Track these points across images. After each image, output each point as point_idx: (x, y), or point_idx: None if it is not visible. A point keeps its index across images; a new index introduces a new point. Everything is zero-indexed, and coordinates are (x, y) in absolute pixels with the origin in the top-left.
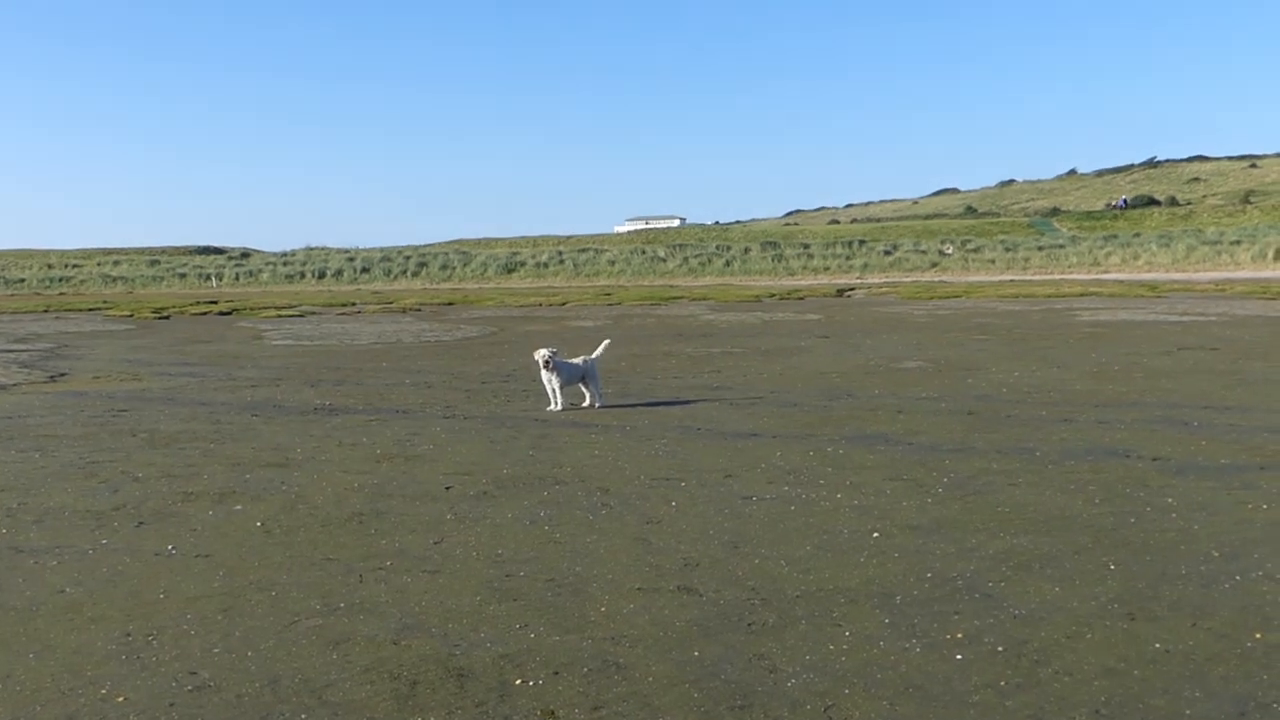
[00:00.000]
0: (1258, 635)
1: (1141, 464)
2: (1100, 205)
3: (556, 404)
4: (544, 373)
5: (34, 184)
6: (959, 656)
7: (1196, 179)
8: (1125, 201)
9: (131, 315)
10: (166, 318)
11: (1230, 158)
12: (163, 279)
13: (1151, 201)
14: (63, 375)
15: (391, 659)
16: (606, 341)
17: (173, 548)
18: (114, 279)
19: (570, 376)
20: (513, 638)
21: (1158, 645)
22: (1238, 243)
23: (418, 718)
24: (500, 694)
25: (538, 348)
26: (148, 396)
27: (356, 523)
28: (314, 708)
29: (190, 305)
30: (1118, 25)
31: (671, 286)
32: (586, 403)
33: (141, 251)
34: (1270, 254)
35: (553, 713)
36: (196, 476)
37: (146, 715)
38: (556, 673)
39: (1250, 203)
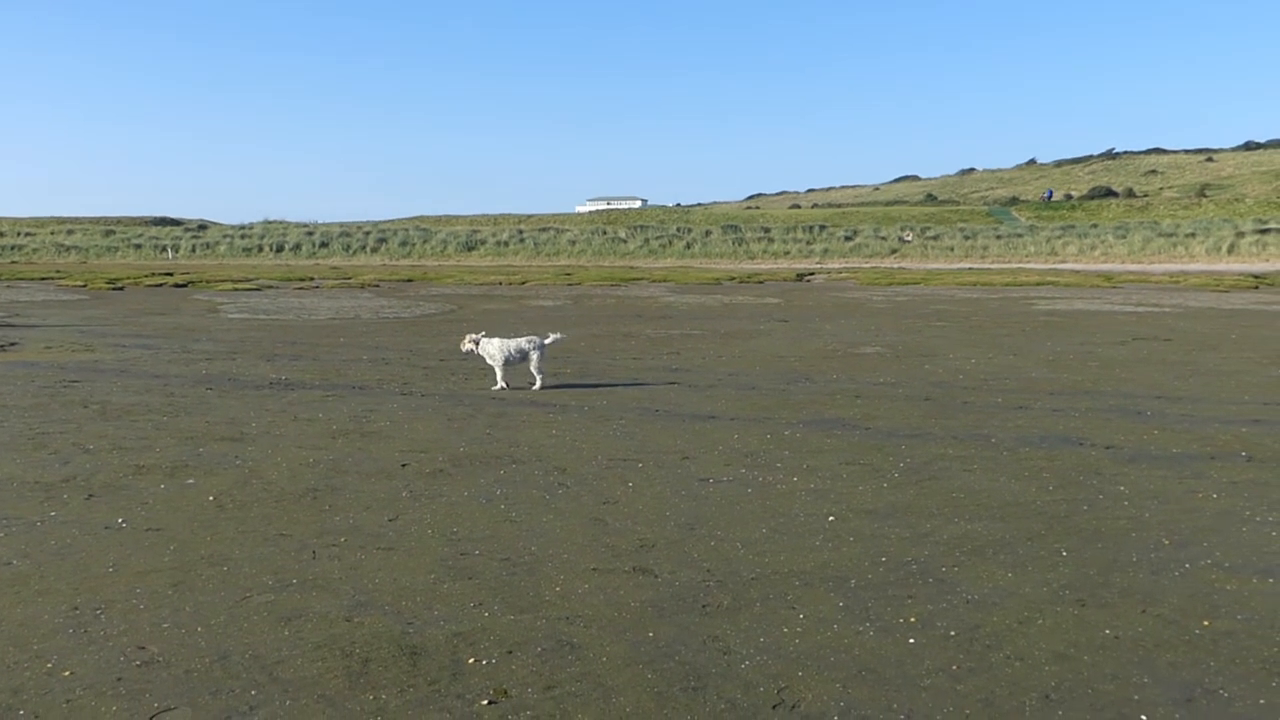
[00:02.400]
0: (1205, 623)
1: (1095, 452)
2: (1059, 195)
3: (500, 383)
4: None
5: None
6: (912, 640)
7: (1154, 171)
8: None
9: (85, 286)
10: (121, 289)
11: (1187, 151)
12: (117, 249)
13: (1109, 193)
14: (13, 345)
15: (344, 636)
16: (560, 335)
17: (123, 521)
18: (67, 248)
19: (509, 357)
20: (466, 616)
21: (1108, 631)
22: (1193, 235)
23: (370, 695)
24: (453, 672)
25: (464, 336)
26: (100, 368)
27: (311, 498)
28: (265, 684)
29: (145, 277)
30: (1080, 18)
31: (632, 268)
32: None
33: (96, 221)
34: (1224, 247)
35: (505, 691)
36: (149, 449)
37: (93, 690)
38: (510, 652)
39: (1206, 196)
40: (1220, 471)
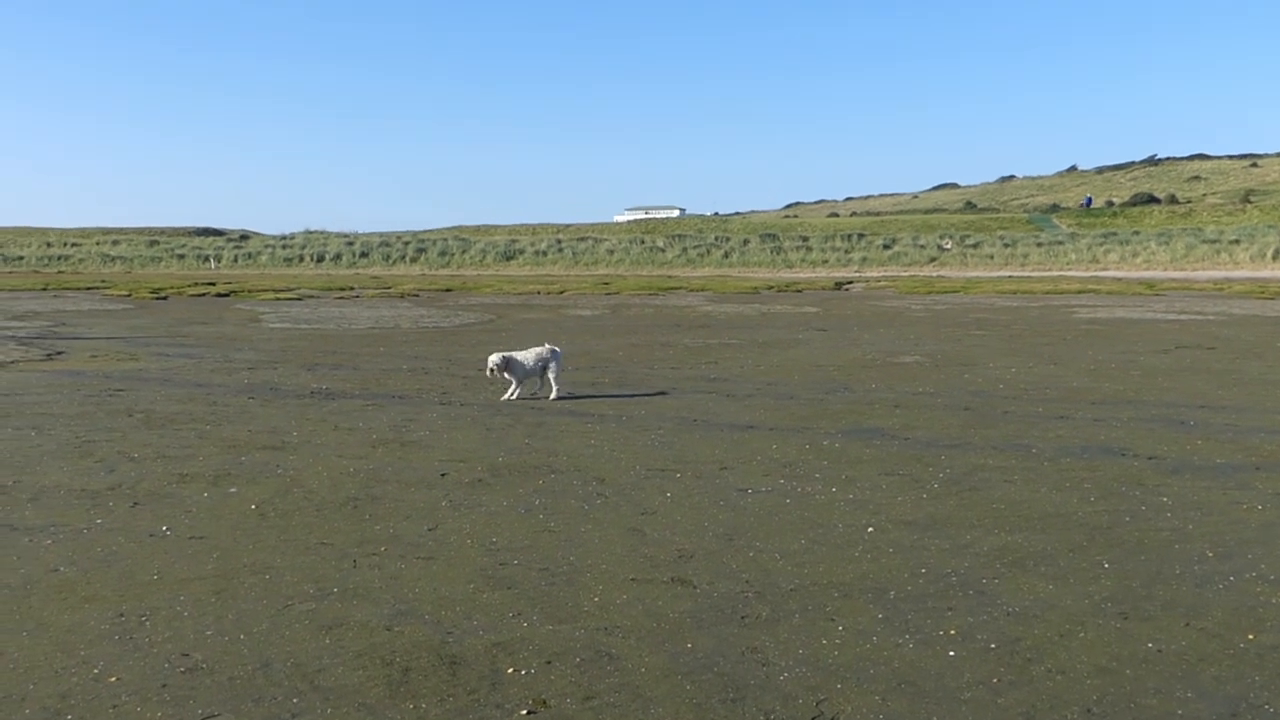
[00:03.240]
0: (1250, 636)
1: (1137, 462)
2: (1100, 202)
3: (513, 394)
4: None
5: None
6: (952, 653)
7: (1197, 177)
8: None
9: (129, 295)
10: (164, 298)
11: (1231, 156)
12: (161, 259)
13: (1151, 199)
14: (60, 354)
15: (384, 645)
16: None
17: (167, 529)
18: (113, 258)
19: (529, 371)
20: (506, 626)
21: (1150, 645)
22: (1237, 242)
23: (410, 704)
24: (492, 682)
25: (490, 355)
26: (144, 377)
27: (351, 507)
28: (306, 692)
29: (188, 286)
30: (1120, 23)
31: (670, 277)
32: (553, 395)
33: (141, 231)
34: (1269, 254)
35: (544, 702)
36: (192, 458)
37: (138, 696)
38: (549, 662)
39: (1250, 202)
40: (1265, 482)
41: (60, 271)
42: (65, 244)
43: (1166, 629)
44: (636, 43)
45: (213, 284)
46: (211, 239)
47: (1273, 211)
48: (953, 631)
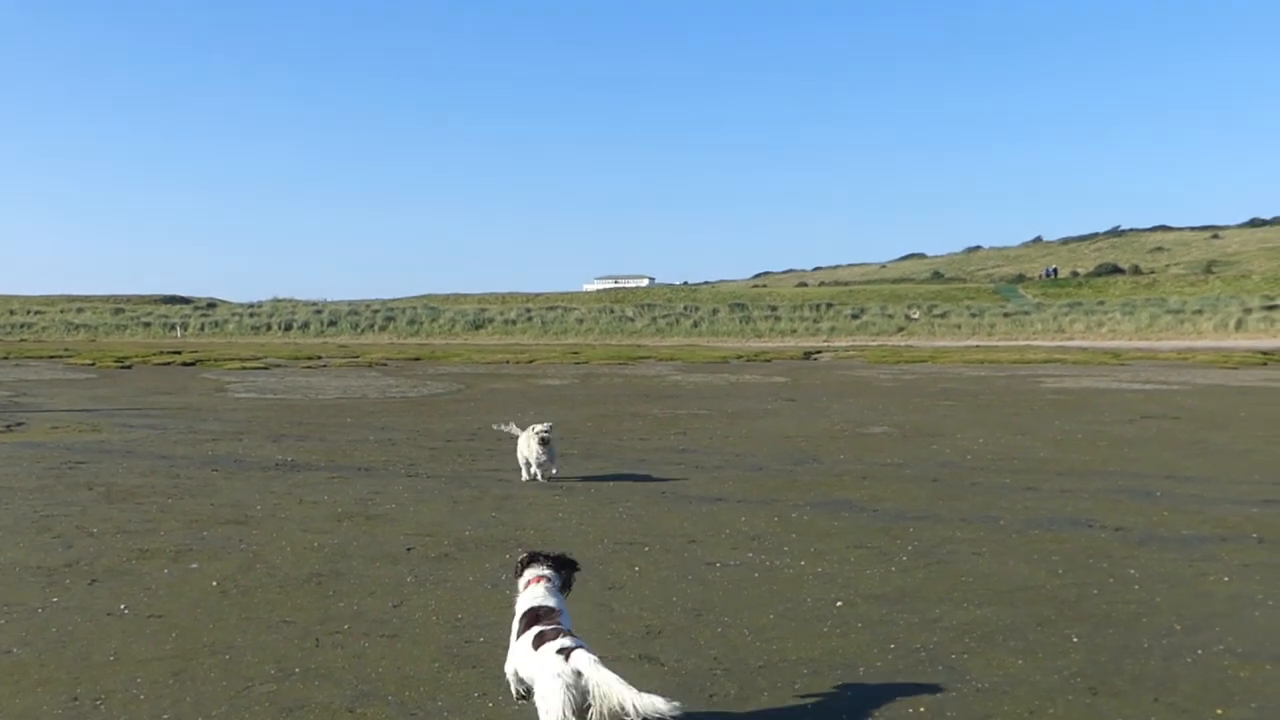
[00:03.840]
0: (1219, 711)
1: (1105, 534)
2: (1065, 272)
3: (528, 474)
4: (537, 448)
5: None
6: None
7: (1160, 248)
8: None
9: (93, 364)
10: (129, 367)
11: (1193, 228)
12: (126, 328)
13: (1115, 270)
14: (20, 425)
15: None
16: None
17: (125, 607)
18: (77, 326)
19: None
20: (471, 707)
21: None
22: (1200, 312)
23: None
24: None
25: (533, 424)
26: (106, 448)
27: (315, 584)
28: None
29: (154, 355)
30: (1084, 94)
31: (639, 346)
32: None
33: (106, 299)
34: (1232, 324)
35: None
36: (153, 533)
37: None
38: None
39: (1212, 273)
40: (1231, 554)
41: (23, 340)
42: (28, 312)
43: (1135, 704)
44: (606, 113)
45: (178, 353)
46: (178, 307)
47: (1235, 282)
48: (922, 709)
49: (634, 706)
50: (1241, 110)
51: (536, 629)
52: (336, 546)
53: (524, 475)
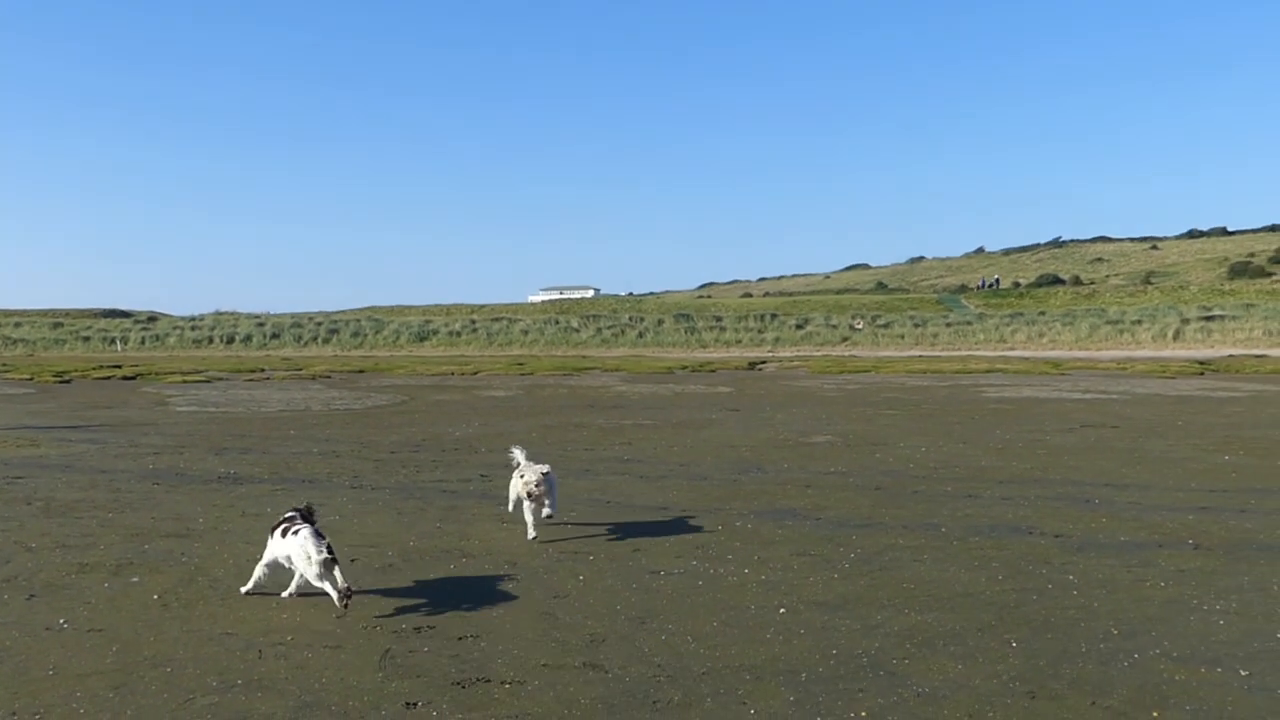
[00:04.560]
0: (1155, 714)
1: (1044, 541)
2: (1008, 283)
3: (532, 531)
4: (532, 488)
5: None
6: None
7: (1099, 259)
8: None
9: (31, 379)
10: (68, 382)
11: (1132, 239)
12: (65, 342)
13: (1056, 280)
14: None
15: None
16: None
17: (64, 621)
18: (14, 341)
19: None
20: (415, 716)
21: None
22: (1139, 322)
23: None
24: None
25: (535, 466)
26: (45, 463)
27: (258, 596)
28: None
29: (93, 369)
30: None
31: (584, 357)
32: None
33: (44, 313)
34: (1170, 334)
35: None
36: (93, 547)
37: None
38: None
39: (1151, 283)
40: (1168, 560)
41: None
42: None
43: (1073, 707)
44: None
45: (119, 367)
46: (118, 321)
47: (1173, 293)
48: (864, 713)
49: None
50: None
51: (282, 527)
52: None
53: (510, 508)
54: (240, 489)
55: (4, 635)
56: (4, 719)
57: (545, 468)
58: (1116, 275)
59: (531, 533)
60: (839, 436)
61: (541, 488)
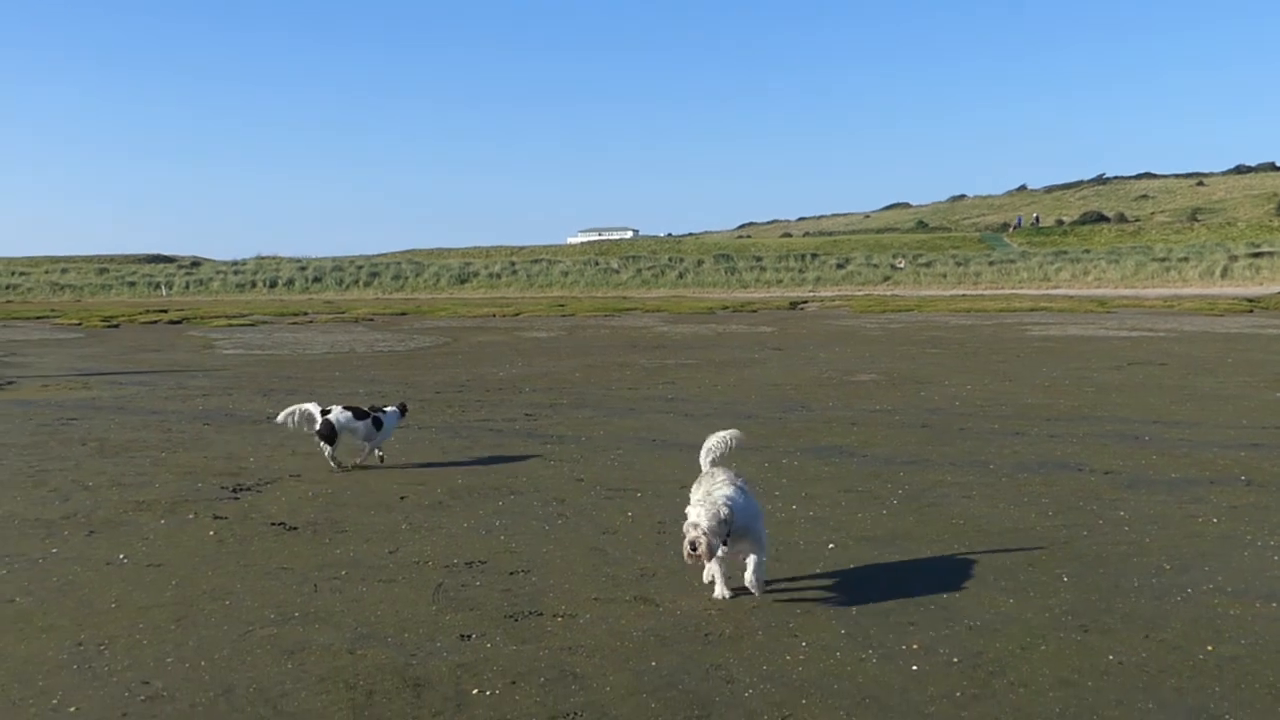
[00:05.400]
0: (1210, 648)
1: (1094, 477)
2: (1050, 221)
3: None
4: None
5: None
6: (915, 667)
7: (1144, 196)
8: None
9: (80, 324)
10: (116, 326)
11: (1177, 175)
12: (111, 287)
13: (1101, 218)
14: (10, 384)
15: (347, 668)
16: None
17: (124, 556)
18: (62, 287)
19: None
20: (469, 647)
21: (1111, 657)
22: (1186, 260)
23: None
24: (457, 704)
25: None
26: (97, 405)
27: (311, 532)
28: (269, 717)
29: (140, 314)
30: (1068, 43)
31: (625, 298)
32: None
33: (90, 260)
34: (1217, 271)
35: None
36: (148, 485)
37: None
38: (513, 682)
39: (1198, 220)
40: (1220, 496)
41: (9, 301)
42: (13, 273)
43: (1126, 641)
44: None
45: (164, 311)
46: (162, 266)
47: (1220, 230)
48: (915, 646)
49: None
50: (1227, 57)
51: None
52: (331, 496)
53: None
54: (289, 429)
55: (66, 570)
56: (70, 649)
57: (727, 491)
58: (1162, 212)
59: (719, 591)
60: (883, 375)
61: (709, 535)
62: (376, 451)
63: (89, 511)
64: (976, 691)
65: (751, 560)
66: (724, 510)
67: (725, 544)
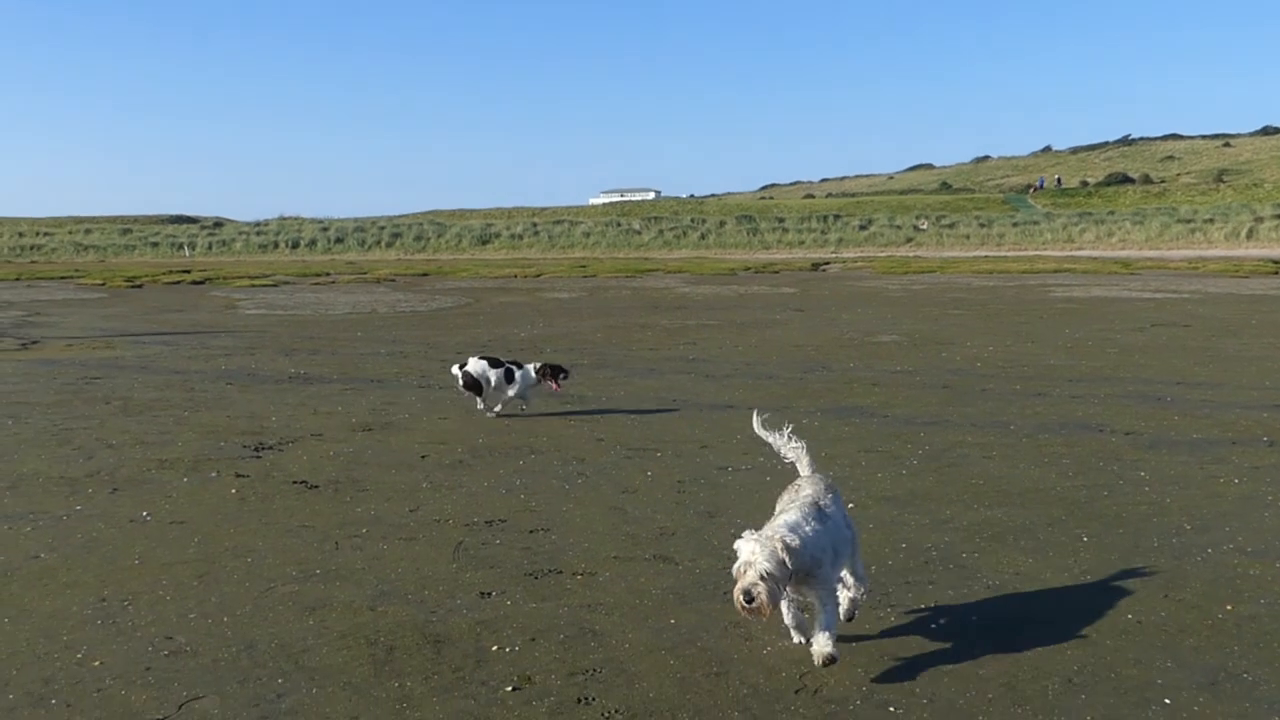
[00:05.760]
0: (1229, 607)
1: (1115, 438)
2: (1074, 182)
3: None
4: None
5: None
6: (933, 626)
7: (1170, 157)
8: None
9: (104, 284)
10: (139, 286)
11: (1204, 136)
12: (135, 248)
13: (1126, 179)
14: (35, 343)
15: (368, 625)
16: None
17: (147, 514)
18: (86, 248)
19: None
20: (489, 605)
21: (1130, 616)
22: (1211, 221)
23: (395, 683)
24: (477, 660)
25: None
26: (121, 364)
27: (332, 490)
28: (291, 672)
29: (163, 274)
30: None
31: (646, 259)
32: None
33: (113, 220)
34: (1243, 233)
35: (529, 678)
36: (171, 444)
37: (123, 679)
38: (533, 639)
39: (1224, 181)
40: (1242, 456)
41: (33, 261)
42: (37, 234)
43: (1145, 601)
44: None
45: (187, 272)
46: (185, 226)
47: (1246, 191)
48: (934, 605)
49: None
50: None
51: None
52: (352, 455)
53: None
54: (310, 389)
55: (91, 527)
56: (95, 604)
57: (791, 516)
58: (1188, 173)
59: (795, 639)
60: (905, 336)
61: (768, 580)
62: (520, 405)
63: (112, 469)
64: (995, 650)
65: (821, 618)
66: (786, 543)
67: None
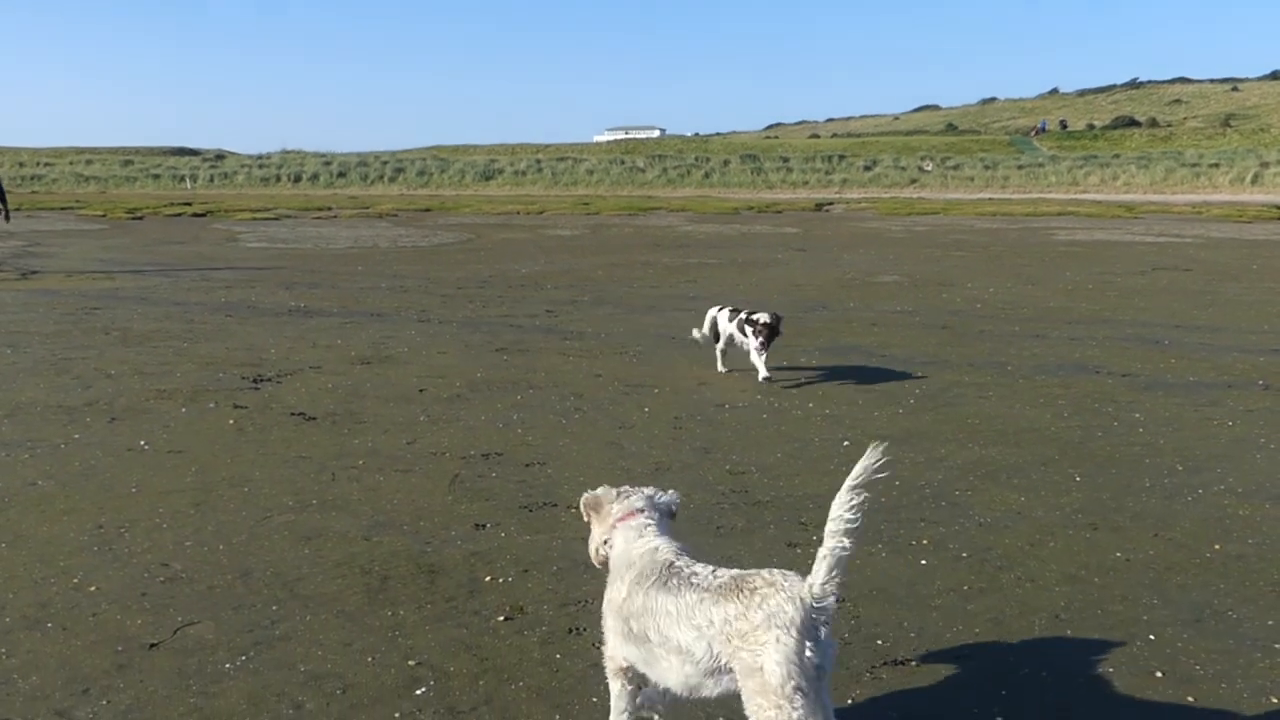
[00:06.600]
0: (1216, 546)
1: (1111, 380)
2: (1080, 125)
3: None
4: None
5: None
6: (924, 562)
7: (1178, 101)
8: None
9: (104, 215)
10: (140, 218)
11: (1212, 80)
12: (136, 180)
13: (1132, 123)
14: (34, 273)
15: (363, 554)
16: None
17: (145, 443)
18: (86, 178)
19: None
20: (483, 536)
21: (1119, 554)
22: (1216, 166)
23: (389, 611)
24: (470, 590)
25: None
26: (120, 295)
27: (330, 422)
28: (285, 600)
29: (164, 206)
30: None
31: (650, 197)
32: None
33: (115, 151)
34: (1248, 178)
35: (522, 608)
36: (169, 374)
37: (118, 604)
38: (526, 570)
39: (1230, 126)
40: (1236, 399)
41: (34, 192)
42: (38, 164)
43: (1134, 539)
44: None
45: (189, 204)
46: (187, 159)
47: (1253, 136)
48: (925, 541)
49: None
50: None
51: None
52: (350, 388)
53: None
54: (310, 322)
55: (89, 455)
56: (92, 531)
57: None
58: (1195, 117)
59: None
60: (906, 277)
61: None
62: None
63: (111, 399)
64: (984, 586)
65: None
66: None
67: None
